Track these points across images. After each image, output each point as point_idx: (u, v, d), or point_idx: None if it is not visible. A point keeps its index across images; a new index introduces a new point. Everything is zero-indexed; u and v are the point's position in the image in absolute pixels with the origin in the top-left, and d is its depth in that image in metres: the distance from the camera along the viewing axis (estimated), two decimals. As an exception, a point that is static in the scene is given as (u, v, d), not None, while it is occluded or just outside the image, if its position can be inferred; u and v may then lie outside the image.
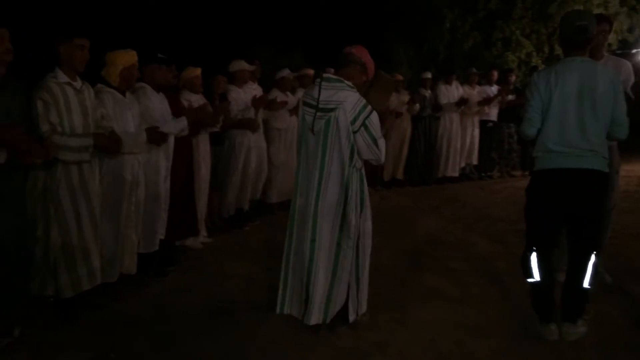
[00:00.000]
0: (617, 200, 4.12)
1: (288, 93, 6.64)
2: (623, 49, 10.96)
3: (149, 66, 4.33)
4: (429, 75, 8.88)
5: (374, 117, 3.21)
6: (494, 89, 9.07)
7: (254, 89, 6.07)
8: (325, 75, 3.31)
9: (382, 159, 3.31)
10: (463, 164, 9.22)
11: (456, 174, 9.10)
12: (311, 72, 7.06)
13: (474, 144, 9.21)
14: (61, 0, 9.26)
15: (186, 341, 3.31)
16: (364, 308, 3.45)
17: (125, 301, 3.90)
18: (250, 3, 12.15)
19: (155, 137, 4.14)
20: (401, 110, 8.12)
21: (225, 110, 5.25)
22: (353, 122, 3.16)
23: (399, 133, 8.39)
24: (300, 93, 6.74)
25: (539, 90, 3.22)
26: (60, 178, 3.41)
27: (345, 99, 3.17)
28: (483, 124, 9.21)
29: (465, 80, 9.17)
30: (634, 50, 11.19)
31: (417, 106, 8.44)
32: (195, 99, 5.14)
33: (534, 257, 3.34)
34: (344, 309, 3.35)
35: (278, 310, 3.42)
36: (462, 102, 8.61)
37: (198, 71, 5.24)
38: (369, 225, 3.43)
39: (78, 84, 3.51)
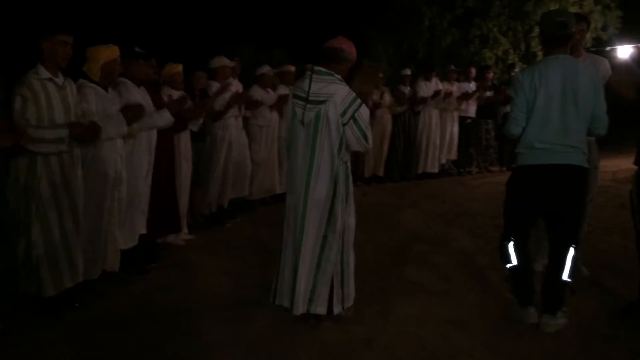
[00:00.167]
0: (594, 194, 4.22)
1: (269, 90, 6.63)
2: (597, 47, 11.17)
3: (127, 61, 4.28)
4: (408, 72, 8.95)
5: (364, 110, 3.27)
6: (472, 86, 9.17)
7: (235, 86, 6.05)
8: (315, 67, 3.33)
9: (370, 148, 3.44)
10: (443, 160, 9.31)
11: (436, 170, 9.19)
12: (292, 68, 7.04)
13: (453, 139, 9.29)
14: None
15: (171, 339, 3.29)
16: (350, 302, 3.49)
17: (109, 299, 3.87)
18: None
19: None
20: (380, 101, 8.16)
21: (208, 107, 5.23)
22: (343, 114, 3.22)
23: (379, 130, 8.42)
24: (281, 89, 6.74)
25: (524, 89, 3.28)
26: (41, 174, 3.36)
27: (335, 91, 3.23)
28: (461, 120, 9.30)
29: (444, 77, 9.26)
30: (608, 48, 11.41)
31: (403, 107, 8.51)
32: (176, 95, 5.09)
33: (511, 245, 3.45)
34: (329, 302, 3.39)
35: (271, 301, 3.50)
36: (436, 94, 8.65)
37: (179, 67, 5.21)
38: (352, 219, 3.49)
39: (60, 80, 3.47)
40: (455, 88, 9.08)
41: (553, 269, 3.39)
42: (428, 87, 8.79)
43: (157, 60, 4.96)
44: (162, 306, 3.79)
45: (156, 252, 4.77)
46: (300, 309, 3.34)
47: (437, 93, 8.63)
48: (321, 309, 3.38)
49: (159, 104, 4.59)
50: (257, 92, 6.41)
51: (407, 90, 8.72)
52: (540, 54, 10.14)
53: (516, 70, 9.26)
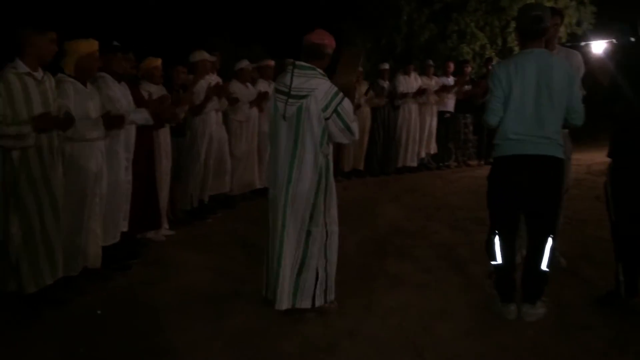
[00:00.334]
0: (569, 185, 4.31)
1: (248, 84, 6.60)
2: (572, 42, 11.34)
3: (105, 55, 4.22)
4: (386, 66, 8.97)
5: (346, 103, 3.27)
6: (450, 80, 9.26)
7: (214, 80, 6.01)
8: (297, 62, 3.33)
9: (356, 139, 3.48)
10: (423, 154, 9.38)
11: (415, 164, 9.25)
12: (272, 62, 7.03)
13: (432, 134, 9.36)
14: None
15: (153, 334, 3.27)
16: (332, 294, 3.51)
17: (91, 296, 3.82)
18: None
19: (112, 121, 3.93)
20: (360, 102, 8.17)
21: (189, 101, 5.19)
22: (324, 109, 3.23)
23: (359, 124, 8.40)
24: (260, 84, 6.72)
25: (501, 81, 3.33)
26: (19, 169, 3.31)
27: (317, 86, 3.23)
28: (440, 114, 9.37)
29: (422, 72, 9.32)
30: (582, 43, 11.58)
31: (383, 100, 8.54)
32: (155, 90, 5.05)
33: (497, 241, 3.47)
34: (312, 295, 3.41)
35: (263, 294, 3.55)
36: (420, 92, 8.74)
37: (158, 62, 5.16)
38: (334, 212, 3.51)
39: (39, 74, 3.42)
40: (434, 82, 9.15)
41: (532, 259, 3.45)
42: (407, 82, 8.84)
43: (136, 55, 4.89)
44: (144, 302, 3.77)
45: (137, 248, 4.73)
46: (285, 304, 3.35)
47: (421, 91, 8.69)
48: (306, 303, 3.40)
49: (138, 100, 4.55)
50: (236, 87, 6.37)
51: (386, 84, 8.75)
52: (516, 49, 10.26)
53: (493, 64, 9.36)
